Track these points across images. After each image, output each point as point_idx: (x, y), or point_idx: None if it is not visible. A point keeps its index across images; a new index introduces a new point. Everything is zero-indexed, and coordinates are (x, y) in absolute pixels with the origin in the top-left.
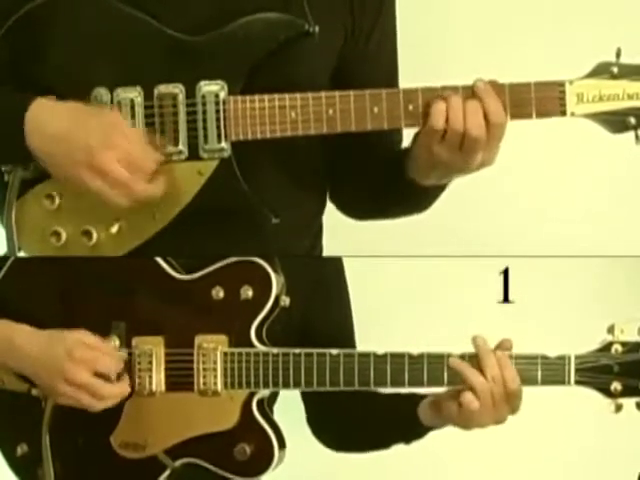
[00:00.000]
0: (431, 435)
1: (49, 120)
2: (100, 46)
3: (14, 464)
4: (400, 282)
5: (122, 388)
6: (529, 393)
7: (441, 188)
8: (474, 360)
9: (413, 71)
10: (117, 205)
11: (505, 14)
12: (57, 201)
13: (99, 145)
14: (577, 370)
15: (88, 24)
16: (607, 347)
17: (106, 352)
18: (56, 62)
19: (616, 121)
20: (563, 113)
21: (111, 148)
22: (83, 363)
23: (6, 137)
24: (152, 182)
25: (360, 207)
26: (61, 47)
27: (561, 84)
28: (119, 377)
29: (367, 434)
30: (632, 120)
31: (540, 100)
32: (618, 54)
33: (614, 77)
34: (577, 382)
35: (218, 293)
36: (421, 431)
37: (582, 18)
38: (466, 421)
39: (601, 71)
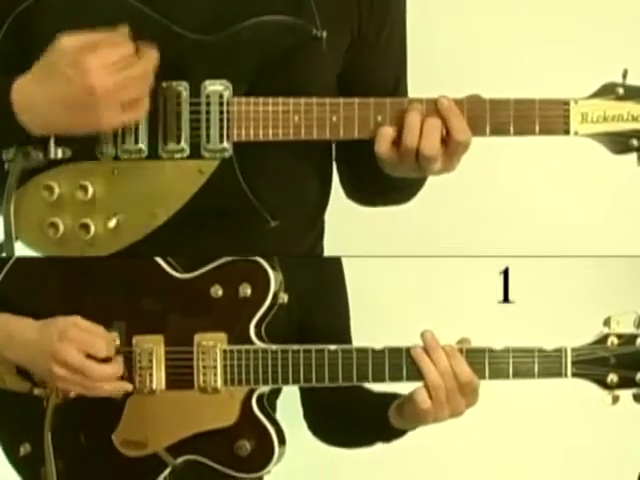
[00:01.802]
0: (429, 429)
1: (33, 90)
2: None
3: (17, 464)
4: (400, 282)
5: (114, 369)
6: (528, 391)
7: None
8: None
9: (418, 83)
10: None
11: (514, 30)
12: (56, 192)
13: (79, 73)
14: (574, 362)
15: (95, 18)
16: (603, 339)
17: (98, 334)
18: None
19: (619, 142)
20: (566, 132)
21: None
22: (74, 343)
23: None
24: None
25: (355, 195)
26: None
27: (566, 102)
28: (111, 359)
29: (351, 431)
30: (635, 142)
31: (544, 118)
32: (625, 75)
33: (619, 98)
34: (574, 374)
35: (217, 291)
36: (395, 432)
37: (590, 37)
38: (422, 417)
39: (607, 91)
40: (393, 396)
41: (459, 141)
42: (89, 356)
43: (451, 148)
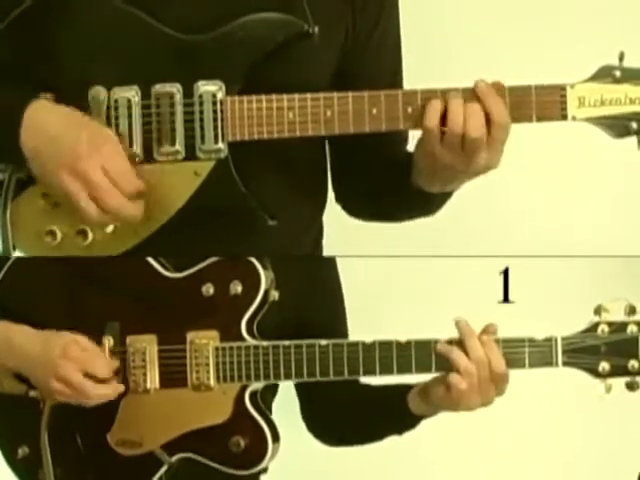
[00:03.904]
0: (424, 423)
1: (46, 118)
2: (99, 44)
3: (15, 466)
4: (400, 282)
5: (110, 390)
6: (525, 387)
7: (448, 194)
8: (460, 345)
9: (414, 73)
10: (86, 215)
11: (508, 16)
12: (53, 200)
13: (86, 151)
14: (564, 351)
15: (88, 22)
16: (594, 327)
17: (98, 355)
18: (55, 60)
19: (618, 126)
20: (564, 117)
21: (97, 156)
22: (75, 362)
23: (2, 132)
24: (131, 201)
25: (365, 210)
26: (60, 45)
27: (562, 87)
28: (108, 380)
29: (360, 427)
30: (634, 125)
31: (541, 103)
32: (621, 58)
33: (616, 81)
34: (565, 363)
35: (208, 290)
36: (412, 421)
37: (585, 21)
38: (454, 403)
39: (603, 75)
40: (407, 386)
41: (499, 123)
42: (87, 375)
43: (492, 134)
